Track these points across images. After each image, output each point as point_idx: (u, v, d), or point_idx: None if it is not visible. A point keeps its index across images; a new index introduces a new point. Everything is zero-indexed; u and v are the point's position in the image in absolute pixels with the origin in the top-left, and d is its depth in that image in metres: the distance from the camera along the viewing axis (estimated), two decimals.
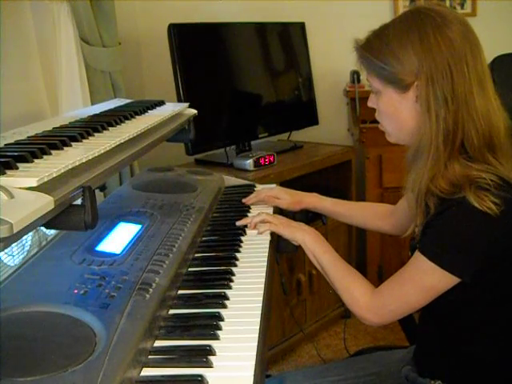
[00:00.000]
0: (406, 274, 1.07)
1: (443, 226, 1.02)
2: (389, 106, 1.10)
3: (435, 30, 1.01)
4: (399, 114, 1.09)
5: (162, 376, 0.79)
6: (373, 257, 2.59)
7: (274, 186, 1.71)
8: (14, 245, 1.05)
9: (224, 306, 0.99)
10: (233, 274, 1.12)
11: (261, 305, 1.00)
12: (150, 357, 0.83)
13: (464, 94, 1.01)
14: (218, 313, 0.95)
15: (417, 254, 1.05)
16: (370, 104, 1.15)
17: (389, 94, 1.08)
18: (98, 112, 1.34)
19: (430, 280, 1.03)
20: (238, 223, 1.38)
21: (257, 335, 0.89)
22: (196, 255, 1.21)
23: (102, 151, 0.95)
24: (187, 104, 1.57)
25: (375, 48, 1.07)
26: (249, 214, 1.45)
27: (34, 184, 0.74)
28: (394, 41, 1.04)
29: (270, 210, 1.48)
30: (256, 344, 0.87)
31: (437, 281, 1.02)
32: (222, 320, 0.94)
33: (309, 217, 2.03)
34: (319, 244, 1.26)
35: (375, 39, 1.08)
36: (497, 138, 1.04)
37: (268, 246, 1.28)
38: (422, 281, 1.04)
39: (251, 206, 1.52)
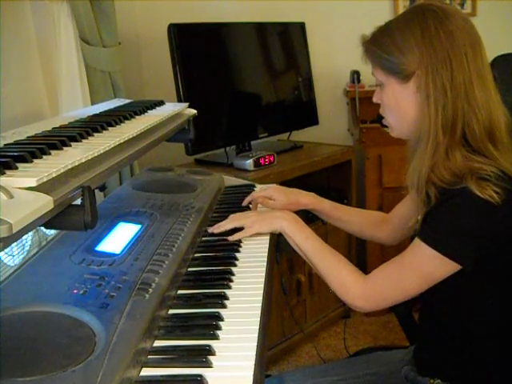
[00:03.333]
0: (404, 261, 1.08)
1: (444, 213, 1.03)
2: (391, 98, 1.12)
3: (436, 22, 1.05)
4: (401, 105, 1.11)
5: (162, 376, 0.78)
6: (373, 257, 2.59)
7: (273, 185, 1.71)
8: (13, 245, 1.05)
9: (224, 306, 0.99)
10: (232, 274, 1.12)
11: (260, 305, 1.00)
12: (149, 357, 0.83)
13: (463, 83, 1.04)
14: (218, 313, 0.95)
15: (416, 241, 1.05)
16: (374, 99, 1.18)
17: (391, 85, 1.11)
18: (97, 112, 1.34)
19: (429, 267, 1.04)
20: (210, 230, 1.31)
21: (256, 335, 0.89)
22: (196, 255, 1.21)
23: (102, 151, 0.95)
24: (187, 104, 1.57)
25: (380, 41, 1.11)
26: None
27: (34, 184, 0.74)
28: (397, 33, 1.08)
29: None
30: (256, 344, 0.87)
31: (436, 268, 1.03)
32: (222, 320, 0.94)
33: (309, 217, 2.03)
34: (299, 230, 1.24)
35: (380, 33, 1.13)
36: (498, 129, 1.06)
37: (268, 246, 1.27)
38: (421, 268, 1.05)
39: (250, 207, 1.51)
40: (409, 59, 1.07)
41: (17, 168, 0.80)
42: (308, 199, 1.46)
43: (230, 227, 1.30)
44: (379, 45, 1.11)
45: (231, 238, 1.28)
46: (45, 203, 0.72)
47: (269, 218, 1.29)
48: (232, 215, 1.34)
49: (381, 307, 1.14)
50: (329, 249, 1.22)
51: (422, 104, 1.07)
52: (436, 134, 1.05)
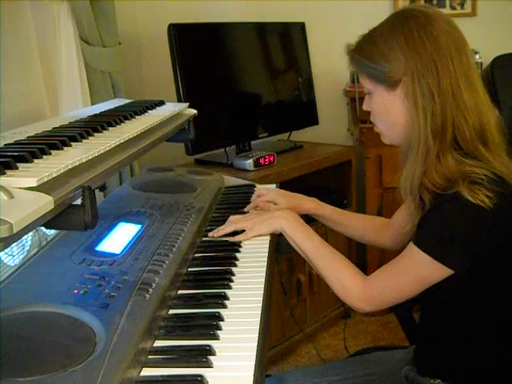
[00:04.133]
0: (399, 265, 1.09)
1: (437, 219, 1.03)
2: (380, 106, 1.12)
3: (419, 27, 1.05)
4: (390, 112, 1.11)
5: (162, 376, 0.78)
6: (373, 257, 2.59)
7: (273, 186, 1.71)
8: (14, 245, 1.05)
9: (224, 306, 0.99)
10: (233, 274, 1.12)
11: (261, 305, 1.00)
12: (149, 357, 0.83)
13: (450, 87, 1.04)
14: (218, 313, 0.95)
15: (411, 245, 1.06)
16: (364, 107, 1.18)
17: (379, 93, 1.11)
18: (97, 112, 1.34)
19: (424, 271, 1.05)
20: (210, 234, 1.30)
21: (257, 335, 0.89)
22: (196, 255, 1.21)
23: (102, 151, 0.95)
24: (187, 104, 1.57)
25: (364, 50, 1.11)
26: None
27: (34, 184, 0.74)
28: (381, 41, 1.08)
29: None
30: (256, 344, 0.87)
31: (430, 272, 1.04)
32: (222, 320, 0.94)
33: (309, 217, 2.03)
34: (299, 229, 1.24)
35: (364, 42, 1.12)
36: (488, 130, 1.06)
37: (268, 245, 1.27)
38: (416, 272, 1.06)
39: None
40: (394, 66, 1.06)
41: (17, 168, 0.80)
42: (310, 204, 1.47)
43: (230, 231, 1.30)
44: (364, 53, 1.11)
45: (232, 239, 1.28)
46: (45, 203, 0.72)
47: (268, 218, 1.29)
48: (231, 218, 1.34)
49: (380, 308, 1.15)
50: (329, 249, 1.21)
51: (411, 110, 1.06)
52: (426, 139, 1.05)
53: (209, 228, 1.36)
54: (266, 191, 1.49)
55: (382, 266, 1.13)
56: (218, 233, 1.30)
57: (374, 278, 1.13)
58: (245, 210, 1.47)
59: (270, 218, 1.28)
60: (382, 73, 1.08)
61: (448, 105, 1.04)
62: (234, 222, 1.32)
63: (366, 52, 1.10)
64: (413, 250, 1.05)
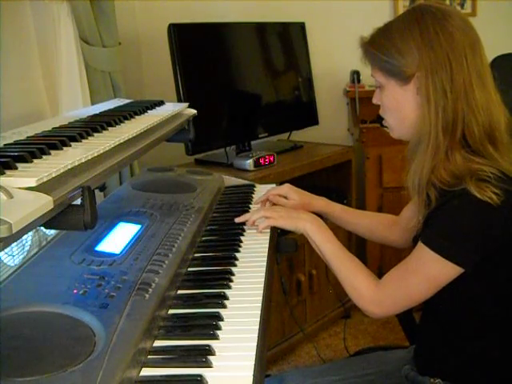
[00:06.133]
0: (408, 266, 1.08)
1: (445, 216, 1.03)
2: (391, 100, 1.12)
3: (435, 24, 1.05)
4: (401, 106, 1.11)
5: (162, 376, 0.78)
6: (373, 257, 2.59)
7: (273, 186, 1.70)
8: (13, 245, 1.05)
9: (223, 306, 0.99)
10: (232, 274, 1.12)
11: (260, 305, 1.00)
12: (149, 357, 0.83)
13: (463, 85, 1.04)
14: (218, 313, 0.95)
15: (419, 245, 1.06)
16: (374, 101, 1.18)
17: (391, 87, 1.11)
18: (97, 112, 1.34)
19: (433, 271, 1.04)
20: (237, 220, 1.36)
21: (256, 335, 0.89)
22: (195, 255, 1.21)
23: (102, 151, 0.95)
24: (187, 104, 1.57)
25: (379, 43, 1.11)
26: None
27: (33, 184, 0.74)
28: (397, 35, 1.08)
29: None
30: (256, 344, 0.86)
31: (439, 271, 1.03)
32: (222, 320, 0.94)
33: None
34: (321, 233, 1.25)
35: (379, 35, 1.13)
36: (497, 130, 1.07)
37: (268, 246, 1.27)
38: (425, 272, 1.05)
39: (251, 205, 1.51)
40: (408, 61, 1.07)
41: (17, 168, 0.80)
42: (320, 202, 1.47)
43: (256, 218, 1.33)
44: (378, 47, 1.11)
45: (253, 217, 1.33)
46: (45, 203, 0.72)
47: (295, 217, 1.29)
48: (260, 208, 1.39)
49: (392, 312, 1.14)
50: (347, 254, 1.22)
51: (423, 106, 1.07)
52: (436, 135, 1.05)
53: (209, 228, 1.36)
54: (278, 188, 1.49)
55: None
56: (244, 218, 1.36)
57: (384, 281, 1.12)
58: (255, 201, 1.48)
59: (297, 217, 1.29)
60: (396, 67, 1.08)
61: (459, 102, 1.04)
62: (260, 210, 1.35)
63: (381, 45, 1.10)
64: (422, 250, 1.04)
